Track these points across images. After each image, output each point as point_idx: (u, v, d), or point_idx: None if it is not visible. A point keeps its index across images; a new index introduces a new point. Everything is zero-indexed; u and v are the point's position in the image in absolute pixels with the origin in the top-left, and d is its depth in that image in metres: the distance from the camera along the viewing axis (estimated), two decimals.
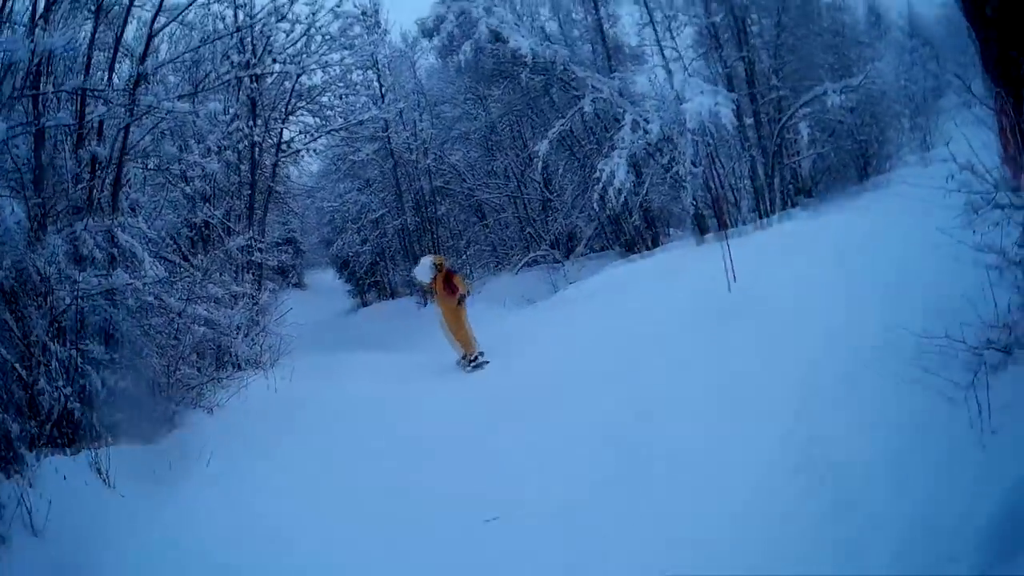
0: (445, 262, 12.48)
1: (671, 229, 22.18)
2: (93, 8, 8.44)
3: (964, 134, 4.88)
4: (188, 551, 5.75)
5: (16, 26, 7.40)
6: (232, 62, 12.61)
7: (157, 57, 9.86)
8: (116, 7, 8.92)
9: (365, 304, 24.60)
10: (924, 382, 4.79)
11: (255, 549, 5.75)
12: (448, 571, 5.30)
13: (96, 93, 8.15)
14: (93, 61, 8.62)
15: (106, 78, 8.65)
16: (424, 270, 12.19)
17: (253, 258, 12.68)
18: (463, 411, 9.11)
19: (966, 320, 4.88)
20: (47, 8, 7.79)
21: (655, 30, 21.61)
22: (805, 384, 6.04)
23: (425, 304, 19.76)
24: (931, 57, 29.70)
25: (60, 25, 7.83)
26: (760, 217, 19.60)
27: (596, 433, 6.88)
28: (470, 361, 11.44)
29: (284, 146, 15.60)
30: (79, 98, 8.20)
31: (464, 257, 22.29)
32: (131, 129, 8.92)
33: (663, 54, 21.35)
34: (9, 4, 7.32)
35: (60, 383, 7.22)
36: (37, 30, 7.45)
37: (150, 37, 9.45)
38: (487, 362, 11.30)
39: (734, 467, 5.31)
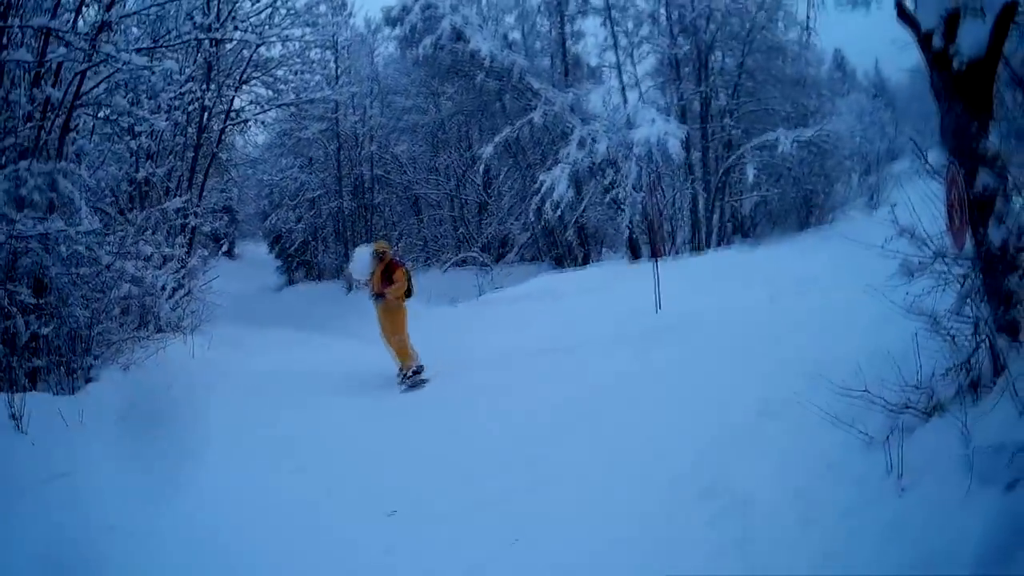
0: (389, 250, 10.20)
1: (604, 249, 22.55)
2: None
3: (910, 199, 5.04)
4: (87, 501, 5.69)
5: None
6: (195, 23, 12.51)
7: (124, 6, 9.80)
8: None
9: (292, 282, 24.45)
10: (840, 431, 4.83)
11: (152, 503, 5.67)
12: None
13: (60, 34, 8.05)
14: (61, 3, 8.52)
15: (71, 20, 8.54)
16: (362, 265, 10.08)
17: (188, 221, 12.56)
18: (374, 413, 8.78)
19: (887, 377, 4.94)
20: None
21: (616, 54, 22.23)
22: (721, 414, 6.12)
23: (350, 289, 19.70)
24: (890, 121, 30.72)
25: None
26: (694, 249, 20.12)
27: (506, 445, 6.80)
28: (405, 376, 9.58)
29: (233, 114, 15.48)
30: (43, 37, 8.11)
31: (395, 249, 22.19)
32: (87, 76, 8.83)
33: (621, 78, 21.83)
34: None
35: None
36: None
37: None
38: (425, 381, 9.54)
39: (641, 488, 5.30)
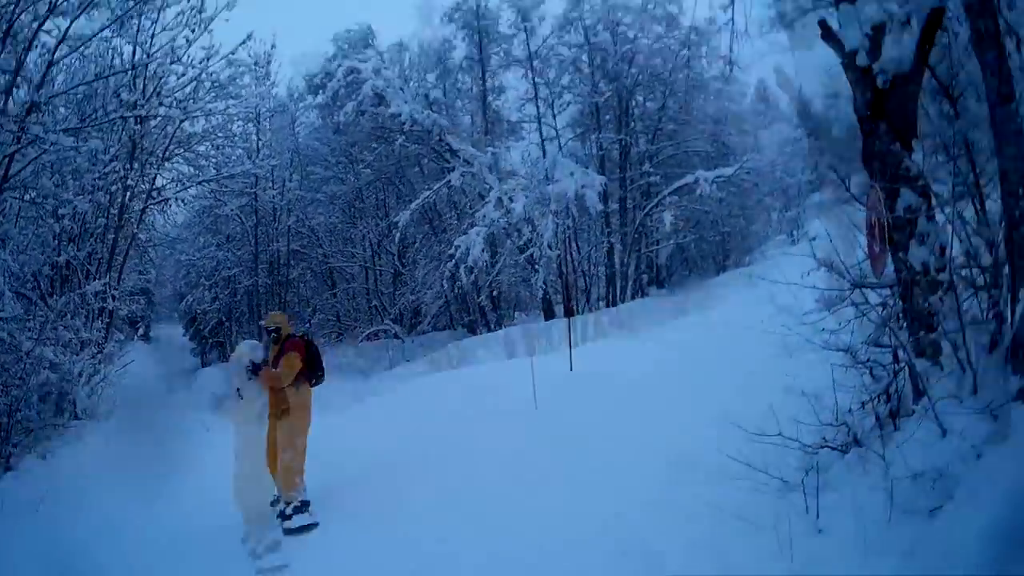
0: (286, 324, 7.40)
1: (516, 313, 22.54)
2: (2, 30, 8.22)
3: (828, 232, 5.13)
4: None
5: None
6: (121, 100, 12.33)
7: (53, 86, 9.66)
8: (24, 31, 8.73)
9: (206, 364, 23.83)
10: (754, 477, 4.78)
11: None
12: None
13: None
14: None
15: (3, 102, 8.38)
16: (241, 365, 7.03)
17: (106, 305, 12.20)
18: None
19: (804, 418, 4.93)
20: None
21: (537, 106, 22.58)
22: (633, 473, 6.02)
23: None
24: (815, 149, 31.24)
25: None
26: (608, 305, 20.28)
27: (415, 512, 6.39)
28: (286, 513, 6.76)
29: (155, 192, 15.22)
30: None
31: (308, 324, 21.96)
32: (15, 158, 8.65)
33: (541, 131, 22.17)
34: None
35: None
36: None
37: (50, 64, 9.31)
38: (313, 524, 6.69)
39: (552, 553, 5.09)
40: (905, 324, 4.76)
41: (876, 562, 3.65)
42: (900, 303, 4.80)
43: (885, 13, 4.57)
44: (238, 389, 6.97)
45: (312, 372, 7.24)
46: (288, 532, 6.61)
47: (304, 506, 6.81)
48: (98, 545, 6.39)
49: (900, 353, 4.79)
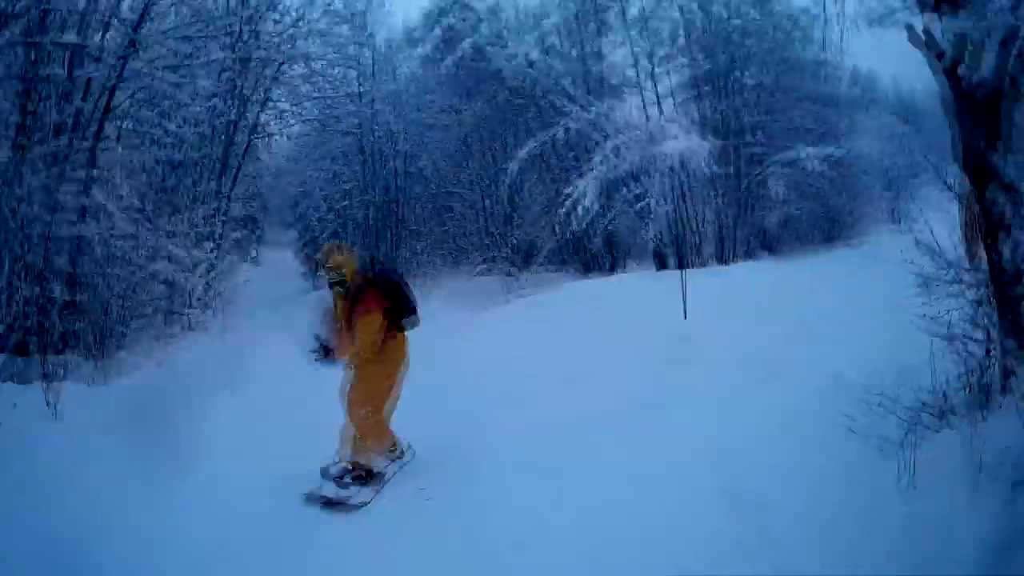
0: (351, 261, 5.89)
1: (628, 260, 22.73)
2: None
3: (928, 217, 5.39)
4: (127, 483, 5.99)
5: None
6: (221, 43, 13.11)
7: (149, 26, 10.41)
8: None
9: (317, 288, 24.78)
10: (859, 434, 5.13)
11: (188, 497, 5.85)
12: None
13: (91, 53, 8.70)
14: (89, 20, 9.14)
15: (101, 37, 9.17)
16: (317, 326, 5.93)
17: (215, 228, 13.16)
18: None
19: (907, 383, 5.26)
20: None
21: (637, 72, 22.24)
22: (744, 422, 6.33)
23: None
24: (914, 134, 30.50)
25: None
26: (720, 263, 20.39)
27: (532, 437, 6.60)
28: (344, 477, 5.65)
29: (259, 128, 16.10)
30: (71, 54, 8.77)
31: (419, 251, 22.42)
32: (115, 91, 9.48)
33: (642, 96, 22.03)
34: None
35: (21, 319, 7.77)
36: None
37: (147, 6, 10.02)
38: (359, 504, 5.53)
39: (661, 487, 5.39)
40: (996, 310, 4.99)
41: (965, 525, 3.97)
42: (992, 290, 5.03)
43: (969, 24, 4.79)
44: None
45: (400, 316, 5.83)
46: (320, 500, 5.52)
47: (369, 478, 5.66)
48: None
49: (992, 335, 5.07)
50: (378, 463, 5.80)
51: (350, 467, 5.65)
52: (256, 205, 21.32)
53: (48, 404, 7.17)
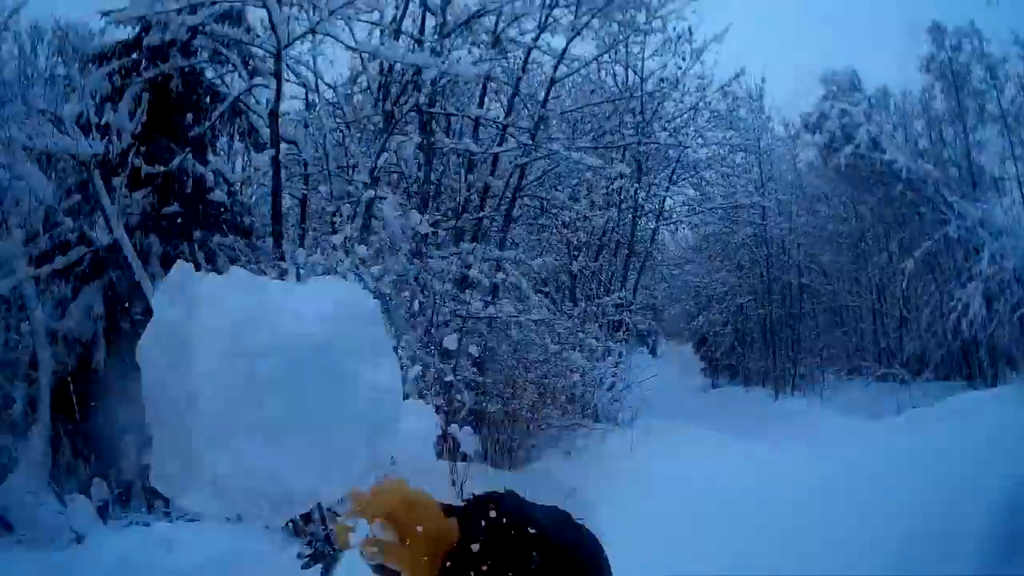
0: (400, 500, 0.94)
1: (1010, 371, 19.83)
2: (491, 42, 8.79)
3: None
4: None
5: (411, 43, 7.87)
6: (624, 122, 12.83)
7: (557, 106, 10.23)
8: (512, 44, 9.33)
9: (715, 385, 24.12)
10: None
11: None
12: None
13: (498, 125, 8.57)
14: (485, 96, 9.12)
15: (504, 114, 9.07)
16: None
17: (623, 317, 12.66)
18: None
19: None
20: (443, 35, 8.26)
21: (1015, 164, 20.14)
22: None
23: (776, 398, 19.33)
24: None
25: (447, 53, 8.21)
26: None
27: None
28: None
29: (665, 214, 15.71)
30: (473, 128, 8.70)
31: (820, 358, 21.65)
32: (526, 168, 9.29)
33: (1022, 190, 19.72)
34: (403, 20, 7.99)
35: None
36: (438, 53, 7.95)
37: (552, 82, 9.81)
38: None
39: None
40: None
41: None
42: None
43: None
44: None
45: None
46: None
47: None
48: None
49: None
50: None
51: None
52: (658, 294, 21.13)
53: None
